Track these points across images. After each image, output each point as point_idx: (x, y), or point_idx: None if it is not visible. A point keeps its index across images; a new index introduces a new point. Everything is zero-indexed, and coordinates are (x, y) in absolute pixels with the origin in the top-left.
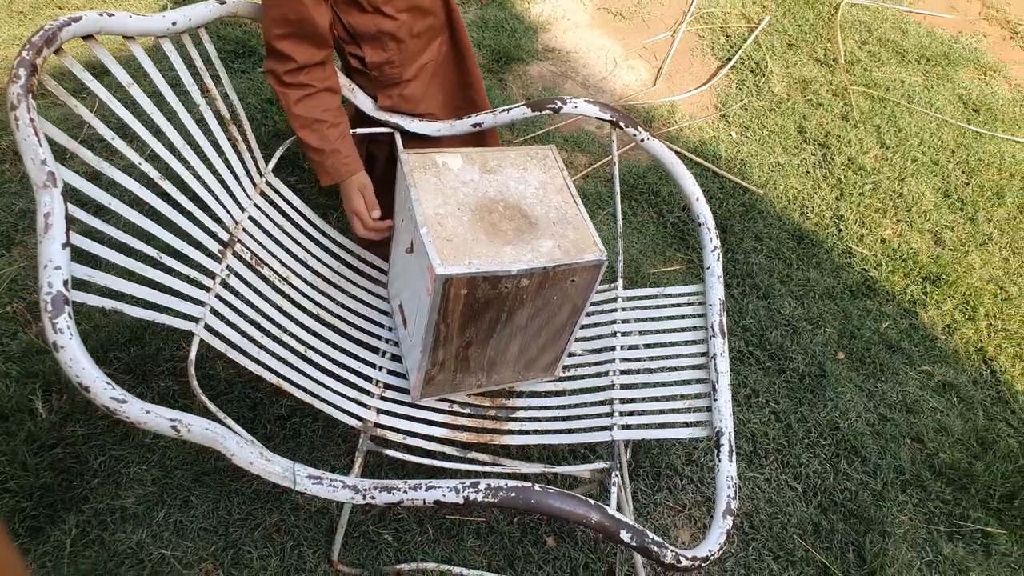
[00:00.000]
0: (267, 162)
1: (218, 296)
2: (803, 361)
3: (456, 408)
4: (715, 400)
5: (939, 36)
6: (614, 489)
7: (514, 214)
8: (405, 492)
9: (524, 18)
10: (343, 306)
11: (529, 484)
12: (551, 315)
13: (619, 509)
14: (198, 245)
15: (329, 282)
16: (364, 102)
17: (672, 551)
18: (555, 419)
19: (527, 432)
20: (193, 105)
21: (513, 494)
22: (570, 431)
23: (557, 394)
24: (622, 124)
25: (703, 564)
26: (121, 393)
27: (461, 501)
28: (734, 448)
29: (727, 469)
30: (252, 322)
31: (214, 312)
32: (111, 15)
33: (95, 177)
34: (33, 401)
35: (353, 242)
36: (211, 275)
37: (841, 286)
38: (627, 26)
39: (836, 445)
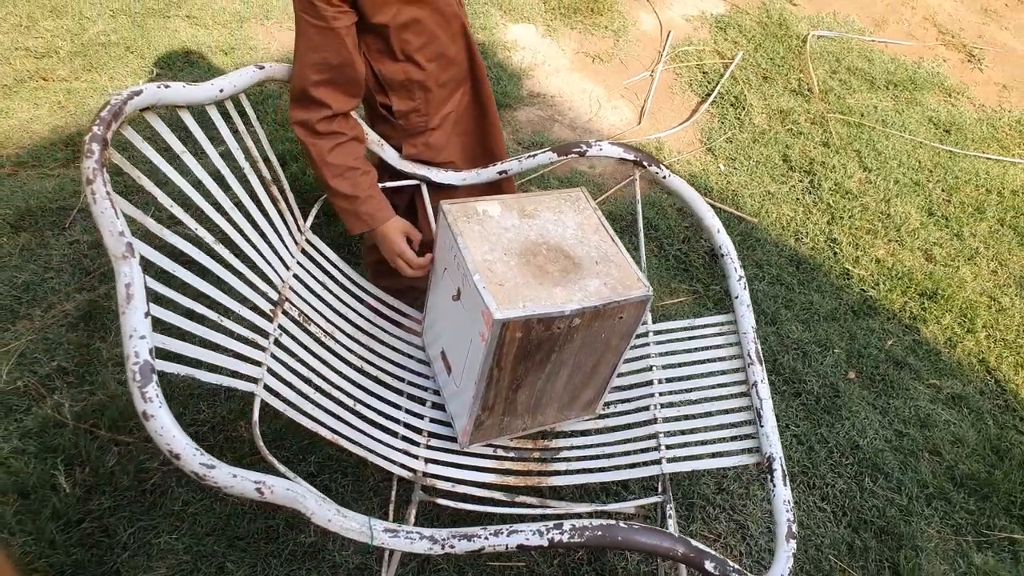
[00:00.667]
0: (304, 219)
1: (272, 355)
2: (817, 383)
3: (500, 452)
4: (761, 427)
5: (903, 63)
6: (671, 521)
7: (558, 256)
8: (486, 539)
9: (507, 66)
10: (384, 357)
11: (614, 522)
12: (597, 352)
13: None
14: (253, 306)
15: (369, 335)
16: (391, 155)
17: None
18: (600, 456)
19: (574, 472)
20: (236, 167)
21: (600, 532)
22: (618, 468)
23: (599, 431)
24: (645, 163)
25: None
26: (209, 459)
27: (546, 543)
28: (787, 472)
29: (783, 494)
30: (305, 379)
31: (270, 372)
32: (167, 87)
33: (146, 237)
34: (55, 476)
35: (383, 292)
36: (265, 335)
37: (843, 307)
38: (606, 68)
39: (858, 463)
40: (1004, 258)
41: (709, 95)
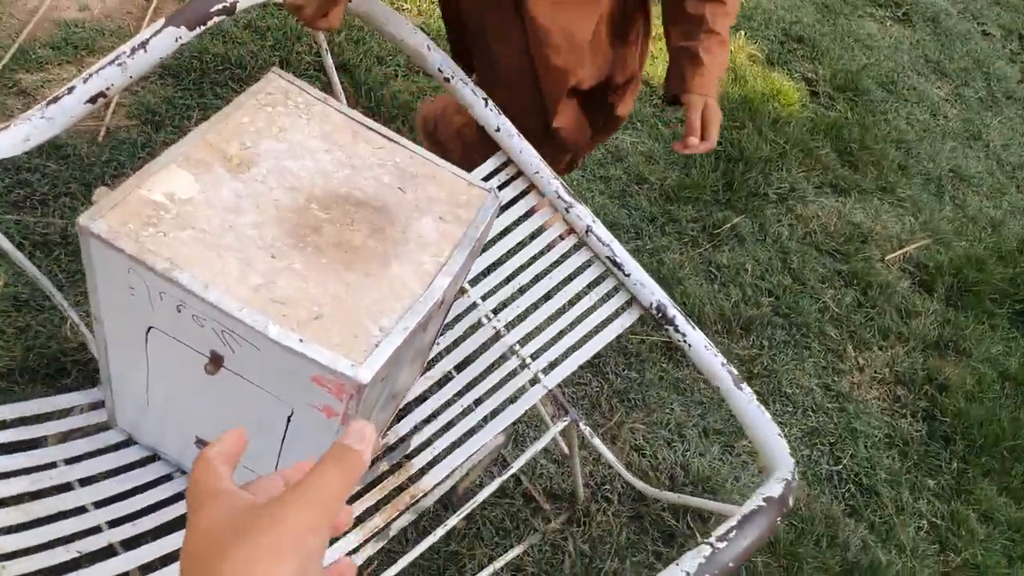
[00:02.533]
0: None
1: None
2: None
3: None
4: (627, 275)
5: None
6: (596, 440)
7: (345, 209)
8: None
9: None
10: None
11: None
12: (450, 291)
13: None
14: None
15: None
16: None
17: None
18: (464, 414)
19: (444, 452)
20: None
21: None
22: (489, 417)
23: (441, 383)
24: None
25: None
26: None
27: None
28: (686, 314)
29: (699, 340)
30: None
31: None
32: None
33: None
34: None
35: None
36: None
37: None
38: None
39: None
40: None
41: None
